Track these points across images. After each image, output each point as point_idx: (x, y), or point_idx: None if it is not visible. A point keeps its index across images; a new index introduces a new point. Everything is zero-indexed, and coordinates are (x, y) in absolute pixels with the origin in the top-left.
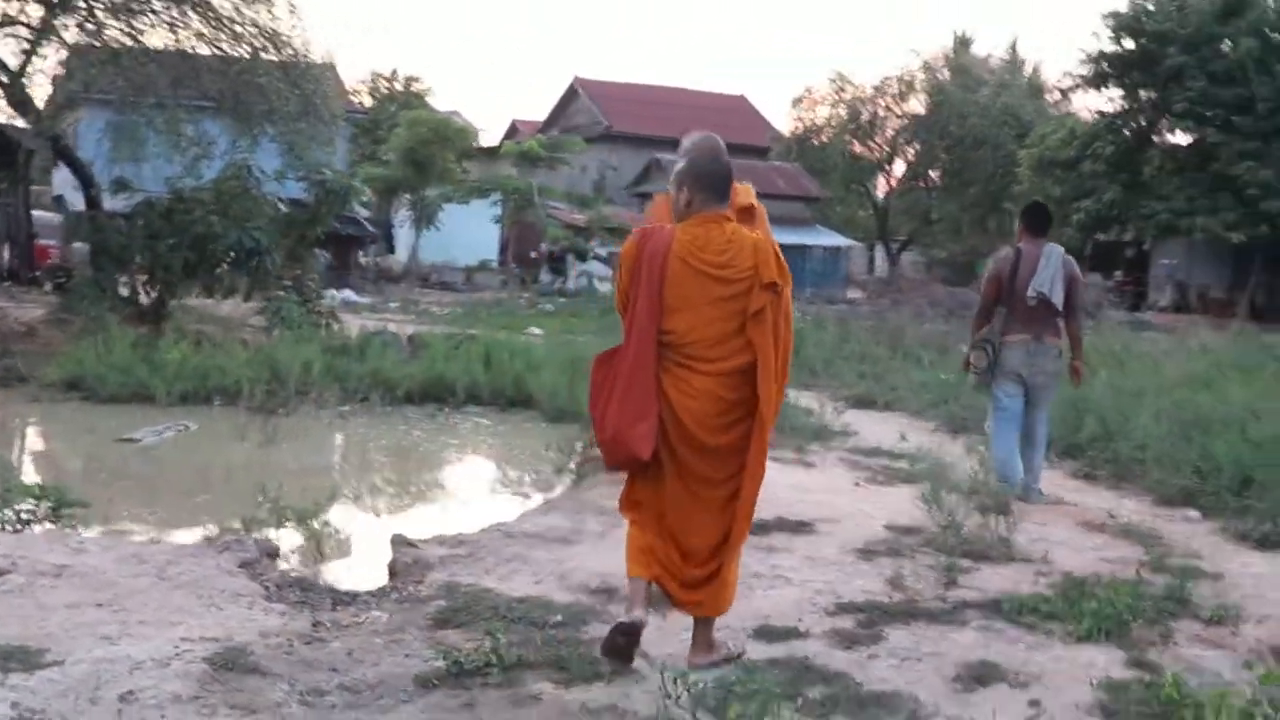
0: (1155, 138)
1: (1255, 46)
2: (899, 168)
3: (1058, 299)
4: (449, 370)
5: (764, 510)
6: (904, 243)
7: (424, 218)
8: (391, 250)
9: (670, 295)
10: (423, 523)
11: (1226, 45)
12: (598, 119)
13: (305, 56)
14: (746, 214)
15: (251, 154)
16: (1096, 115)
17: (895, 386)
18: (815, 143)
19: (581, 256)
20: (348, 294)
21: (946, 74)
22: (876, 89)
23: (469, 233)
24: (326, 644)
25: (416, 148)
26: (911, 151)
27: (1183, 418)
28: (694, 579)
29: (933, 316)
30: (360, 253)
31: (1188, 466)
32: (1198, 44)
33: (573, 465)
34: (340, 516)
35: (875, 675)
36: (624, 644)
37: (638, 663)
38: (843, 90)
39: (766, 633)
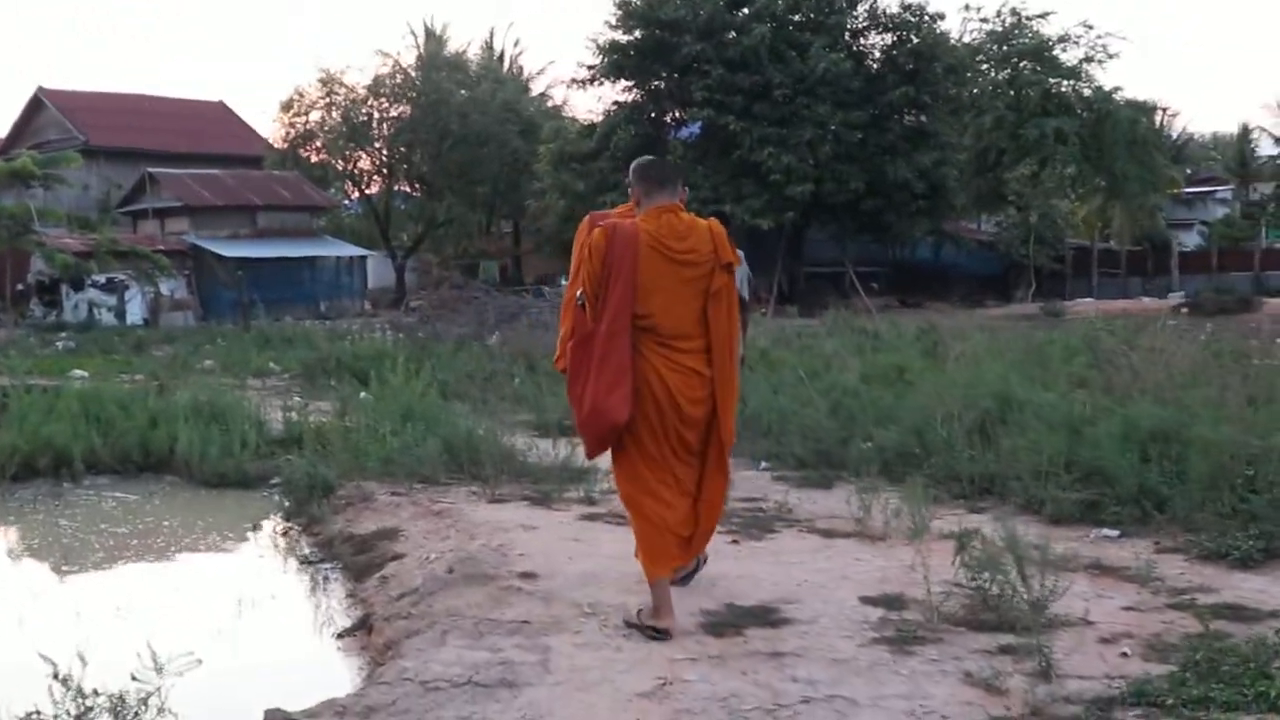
0: (674, 127)
1: (766, 33)
2: (401, 171)
3: (747, 294)
4: (56, 434)
5: (701, 599)
6: (410, 249)
7: None
8: None
9: (643, 280)
10: (243, 675)
11: (731, 35)
12: (72, 133)
13: None
14: None
15: None
16: (614, 106)
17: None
18: (310, 150)
19: (78, 285)
20: None
21: (427, 73)
22: (369, 89)
23: None
24: None
25: None
26: (410, 152)
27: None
28: (688, 538)
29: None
30: None
31: (1063, 479)
32: (712, 32)
33: (306, 550)
34: (124, 682)
35: None
36: None
37: None
38: (334, 93)
39: None
